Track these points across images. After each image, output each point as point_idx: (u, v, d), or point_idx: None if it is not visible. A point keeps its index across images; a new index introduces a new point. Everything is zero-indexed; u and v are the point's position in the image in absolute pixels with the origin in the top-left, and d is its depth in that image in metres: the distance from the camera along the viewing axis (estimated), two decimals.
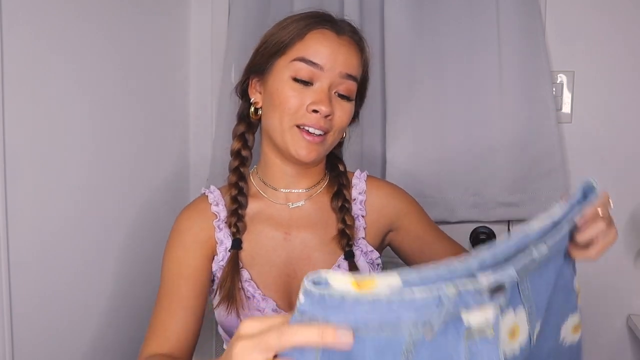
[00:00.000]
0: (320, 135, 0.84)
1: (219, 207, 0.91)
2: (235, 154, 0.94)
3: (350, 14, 1.23)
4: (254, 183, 0.94)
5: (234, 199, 0.90)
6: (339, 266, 0.87)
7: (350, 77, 0.85)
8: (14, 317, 0.87)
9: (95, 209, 1.05)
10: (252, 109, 0.91)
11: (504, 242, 0.49)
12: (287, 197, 0.92)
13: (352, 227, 0.89)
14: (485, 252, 0.47)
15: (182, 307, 0.84)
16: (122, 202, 1.13)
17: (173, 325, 0.83)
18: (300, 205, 0.91)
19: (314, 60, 0.83)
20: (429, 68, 1.22)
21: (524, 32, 1.16)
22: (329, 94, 0.83)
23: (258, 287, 0.86)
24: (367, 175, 0.96)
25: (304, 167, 0.90)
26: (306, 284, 0.43)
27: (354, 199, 0.93)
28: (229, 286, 0.83)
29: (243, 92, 0.94)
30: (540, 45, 1.16)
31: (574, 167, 1.22)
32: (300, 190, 0.92)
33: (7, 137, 0.85)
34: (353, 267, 0.87)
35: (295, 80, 0.83)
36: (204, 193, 0.94)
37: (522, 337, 0.54)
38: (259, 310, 0.85)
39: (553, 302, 0.58)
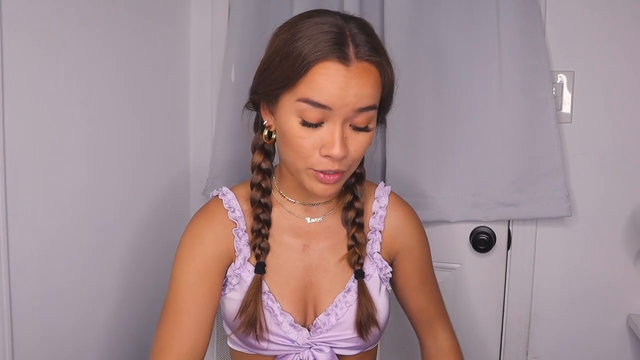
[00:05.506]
0: (337, 172, 0.77)
1: (236, 213, 0.86)
2: (257, 168, 0.87)
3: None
4: (272, 192, 0.90)
5: (258, 218, 0.85)
6: (349, 289, 0.87)
7: (365, 109, 0.75)
8: (14, 317, 0.87)
9: (95, 210, 1.05)
10: (266, 132, 0.83)
11: None
12: (307, 210, 0.89)
13: (362, 245, 0.87)
14: None
15: (197, 325, 0.82)
16: (122, 203, 1.13)
17: (186, 342, 0.81)
18: (318, 221, 0.89)
19: (321, 102, 0.72)
20: (428, 68, 1.22)
21: (524, 32, 1.15)
22: (342, 133, 0.74)
23: (276, 300, 0.85)
24: (391, 191, 0.94)
25: None
26: None
27: (374, 213, 0.91)
28: (252, 311, 0.82)
29: (256, 107, 0.87)
30: (540, 45, 1.16)
31: (574, 167, 1.22)
32: (319, 204, 0.89)
33: (7, 137, 0.85)
34: (362, 287, 0.86)
35: (304, 123, 0.75)
36: (217, 196, 0.89)
37: None
38: (277, 325, 0.84)
39: None
